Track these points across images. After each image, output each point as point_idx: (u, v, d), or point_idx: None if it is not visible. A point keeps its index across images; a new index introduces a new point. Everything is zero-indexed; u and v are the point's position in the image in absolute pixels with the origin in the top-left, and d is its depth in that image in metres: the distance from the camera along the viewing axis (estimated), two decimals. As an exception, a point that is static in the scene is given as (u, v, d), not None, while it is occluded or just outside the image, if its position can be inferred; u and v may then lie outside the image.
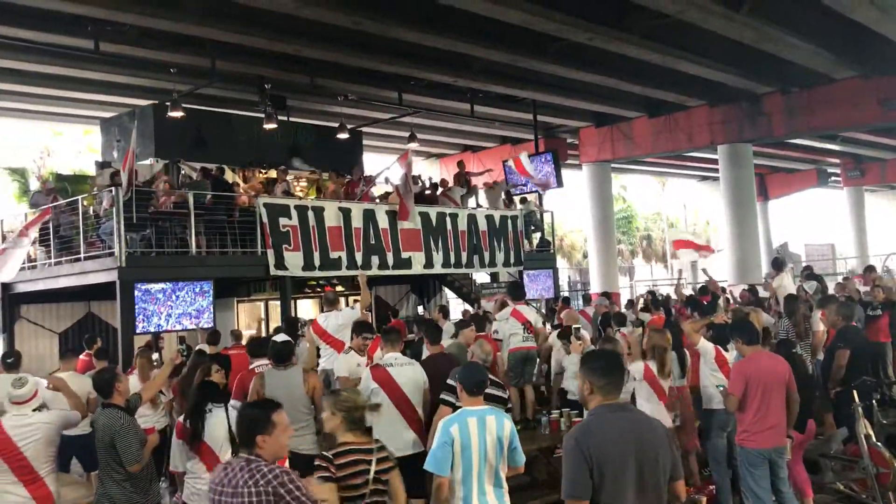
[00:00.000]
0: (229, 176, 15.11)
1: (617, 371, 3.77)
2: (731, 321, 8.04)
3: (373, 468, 4.21)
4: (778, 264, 13.91)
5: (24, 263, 12.79)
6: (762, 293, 13.72)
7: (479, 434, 4.53)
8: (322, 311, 9.23)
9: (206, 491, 5.48)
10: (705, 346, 7.14)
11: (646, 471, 3.50)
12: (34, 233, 12.17)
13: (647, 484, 3.51)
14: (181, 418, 5.80)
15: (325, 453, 4.33)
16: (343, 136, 18.26)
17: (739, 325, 6.61)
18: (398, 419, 6.29)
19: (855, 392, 7.46)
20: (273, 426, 3.85)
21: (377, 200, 15.63)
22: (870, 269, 15.07)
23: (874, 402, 7.75)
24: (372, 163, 22.67)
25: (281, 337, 6.65)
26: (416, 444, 6.24)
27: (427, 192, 17.09)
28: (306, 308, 16.01)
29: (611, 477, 3.43)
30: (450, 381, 5.97)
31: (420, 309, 16.33)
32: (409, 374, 6.44)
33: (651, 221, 50.57)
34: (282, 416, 3.93)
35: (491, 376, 6.39)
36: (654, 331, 7.20)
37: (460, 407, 5.95)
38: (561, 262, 35.63)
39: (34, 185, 27.80)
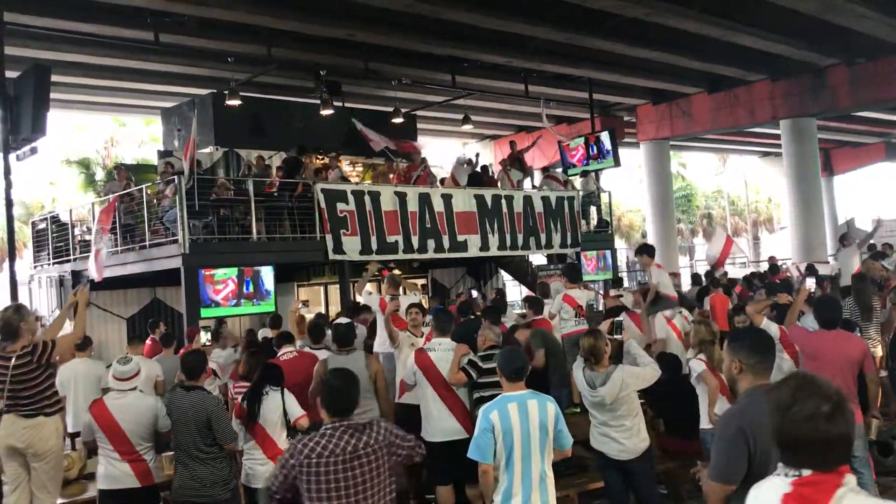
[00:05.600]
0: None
1: (768, 349, 3.61)
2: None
3: None
4: (846, 239, 13.53)
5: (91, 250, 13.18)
6: (823, 271, 13.39)
7: (520, 419, 4.42)
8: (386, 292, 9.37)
9: (262, 471, 5.65)
10: (769, 326, 6.98)
11: None
12: (109, 225, 12.43)
13: None
14: (240, 399, 5.93)
15: None
16: (398, 120, 18.33)
17: (817, 306, 6.36)
18: (440, 405, 6.33)
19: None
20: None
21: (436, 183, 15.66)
22: None
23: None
24: (427, 146, 22.70)
25: (343, 320, 6.68)
26: (459, 431, 6.23)
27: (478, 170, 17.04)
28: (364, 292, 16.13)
29: (774, 465, 3.31)
30: (472, 358, 6.23)
31: (474, 292, 16.34)
32: (450, 360, 6.42)
33: (711, 199, 49.62)
34: None
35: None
36: (699, 323, 7.00)
37: (474, 378, 6.07)
38: (619, 243, 35.24)
39: (100, 175, 28.62)
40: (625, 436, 5.55)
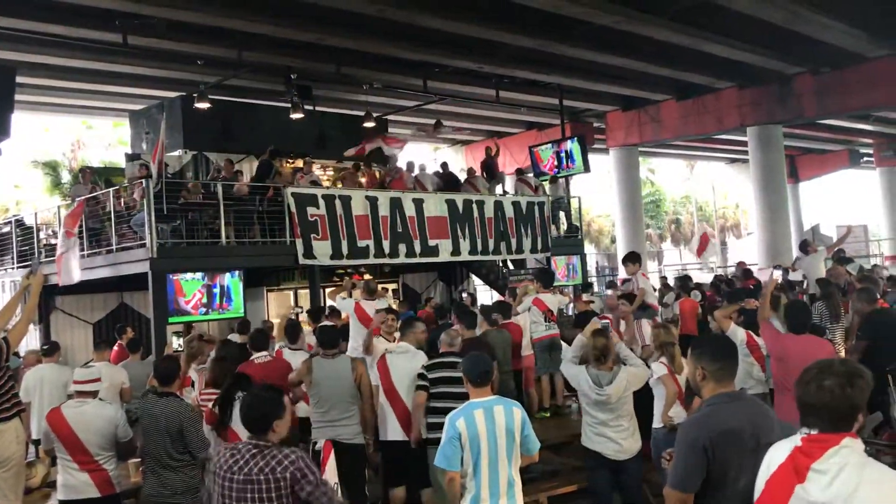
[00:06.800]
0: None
1: (730, 354, 3.61)
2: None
3: None
4: (808, 246, 13.76)
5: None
6: (791, 276, 13.59)
7: (487, 426, 4.40)
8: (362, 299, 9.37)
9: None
10: (735, 331, 7.05)
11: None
12: (77, 228, 12.19)
13: None
14: (211, 405, 5.86)
15: None
16: (369, 124, 18.27)
17: (787, 310, 6.41)
18: (387, 406, 6.50)
19: (890, 377, 7.33)
20: (285, 409, 3.88)
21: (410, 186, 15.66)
22: None
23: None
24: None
25: (328, 323, 6.65)
26: (398, 432, 6.42)
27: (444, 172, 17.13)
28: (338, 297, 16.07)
29: (733, 473, 3.32)
30: (420, 370, 6.22)
31: (464, 294, 16.49)
32: (402, 364, 6.52)
33: (680, 205, 50.15)
34: (288, 399, 4.05)
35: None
36: (656, 327, 7.08)
37: (428, 388, 6.11)
38: (589, 248, 35.50)
39: (66, 177, 28.21)
40: (622, 436, 5.65)
